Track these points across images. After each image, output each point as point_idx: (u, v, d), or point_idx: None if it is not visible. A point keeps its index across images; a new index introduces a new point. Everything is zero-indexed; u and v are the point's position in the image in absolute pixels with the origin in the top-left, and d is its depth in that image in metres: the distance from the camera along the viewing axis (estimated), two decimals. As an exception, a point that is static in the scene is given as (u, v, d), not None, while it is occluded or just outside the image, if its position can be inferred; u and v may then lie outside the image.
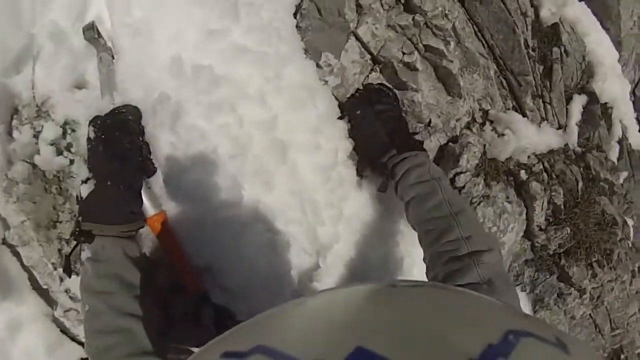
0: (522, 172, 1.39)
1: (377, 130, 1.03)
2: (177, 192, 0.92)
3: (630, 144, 2.39)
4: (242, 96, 0.96)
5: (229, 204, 0.95)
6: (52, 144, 0.92)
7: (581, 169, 1.69)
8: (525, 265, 1.38)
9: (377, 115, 1.04)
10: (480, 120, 1.39)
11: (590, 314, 1.59)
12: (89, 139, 0.84)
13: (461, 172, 1.22)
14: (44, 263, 0.94)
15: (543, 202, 1.39)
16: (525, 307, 1.37)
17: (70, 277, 0.90)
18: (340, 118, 1.16)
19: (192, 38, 0.94)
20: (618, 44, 2.77)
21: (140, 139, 0.88)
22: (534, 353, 0.27)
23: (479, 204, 1.23)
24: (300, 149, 1.06)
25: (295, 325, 0.30)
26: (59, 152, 0.93)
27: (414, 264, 1.14)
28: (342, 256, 1.13)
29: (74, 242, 0.81)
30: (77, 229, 0.77)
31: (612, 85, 2.26)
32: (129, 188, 0.81)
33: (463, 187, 1.21)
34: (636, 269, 1.85)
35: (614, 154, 2.17)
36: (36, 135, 0.92)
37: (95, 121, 0.85)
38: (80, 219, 0.77)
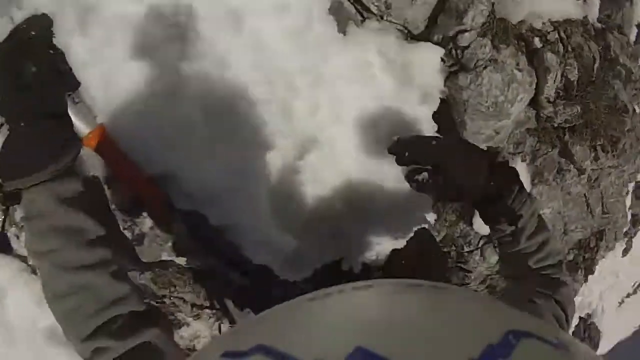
0: (536, 39, 1.24)
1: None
2: (111, 99, 0.80)
3: (650, 30, 2.19)
4: None
5: (173, 98, 0.82)
6: None
7: (600, 47, 1.52)
8: (528, 134, 1.30)
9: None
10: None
11: (585, 194, 1.56)
12: None
13: (465, 30, 1.06)
14: None
15: (556, 75, 1.26)
16: (525, 178, 1.32)
17: (9, 251, 0.80)
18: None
19: None
20: None
21: (52, 52, 0.72)
22: (534, 353, 0.27)
23: (485, 68, 1.10)
24: (260, 13, 0.88)
25: (296, 325, 0.30)
26: None
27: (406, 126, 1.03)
28: (324, 126, 1.00)
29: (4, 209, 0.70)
30: (1, 193, 0.65)
31: None
32: (49, 116, 0.66)
33: (467, 46, 1.07)
34: (636, 160, 1.79)
35: (632, 38, 1.98)
36: None
37: None
38: (1, 180, 0.64)
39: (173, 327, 1.18)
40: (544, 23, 1.29)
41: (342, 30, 1.01)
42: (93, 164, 0.82)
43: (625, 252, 2.25)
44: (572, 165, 1.42)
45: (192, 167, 0.86)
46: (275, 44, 0.90)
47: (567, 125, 1.37)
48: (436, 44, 1.06)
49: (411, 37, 1.05)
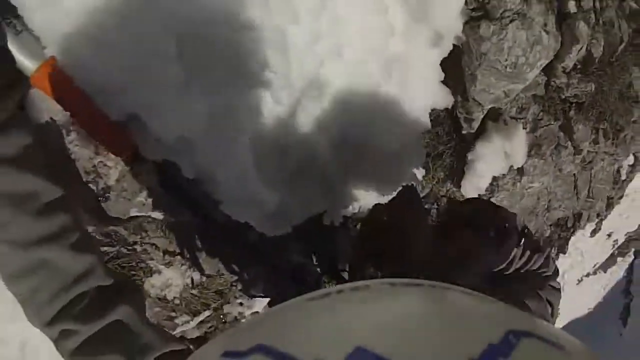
0: (571, 2, 1.17)
1: None
2: (59, 26, 0.65)
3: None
4: None
5: (138, 20, 0.67)
6: None
7: (631, 30, 1.46)
8: (533, 101, 1.28)
9: None
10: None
11: (575, 174, 1.58)
12: None
13: (495, -26, 0.99)
14: None
15: (582, 48, 1.21)
16: (522, 146, 1.30)
17: None
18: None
19: None
20: None
21: None
22: (534, 353, 0.27)
23: (511, 21, 1.04)
24: None
25: (296, 325, 0.30)
26: None
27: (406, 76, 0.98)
28: (321, 63, 0.90)
29: None
30: None
31: None
32: None
33: (495, -8, 1.00)
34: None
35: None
36: None
37: None
38: None
39: (145, 287, 1.09)
40: (579, -13, 1.21)
41: None
42: (47, 106, 0.70)
43: (594, 232, 2.31)
44: (569, 143, 1.41)
45: (163, 109, 0.74)
46: None
47: (575, 100, 1.34)
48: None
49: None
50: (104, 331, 0.56)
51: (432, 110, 1.14)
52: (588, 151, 1.51)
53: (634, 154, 1.82)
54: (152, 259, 1.06)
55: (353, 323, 0.29)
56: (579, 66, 1.27)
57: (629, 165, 1.87)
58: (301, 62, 0.86)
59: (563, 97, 1.30)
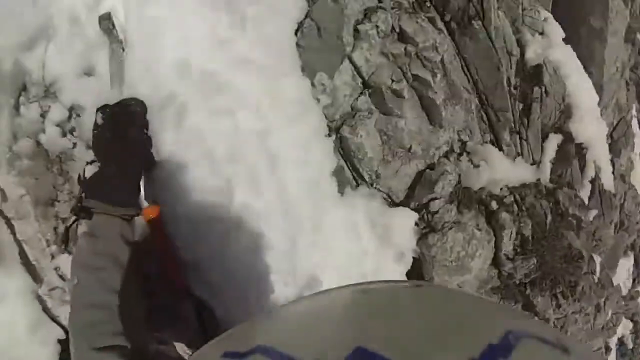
0: (493, 202, 1.48)
1: None
2: (173, 188, 0.98)
3: (602, 184, 2.51)
4: (242, 104, 1.05)
5: (220, 204, 1.02)
6: (57, 125, 0.98)
7: (551, 203, 1.78)
8: (492, 292, 1.46)
9: None
10: (458, 151, 1.47)
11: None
12: (96, 125, 0.89)
13: (436, 198, 1.29)
14: (38, 238, 0.99)
15: (511, 233, 1.47)
16: None
17: (67, 247, 0.94)
18: (328, 136, 1.22)
19: (201, 43, 1.02)
20: (600, 87, 2.91)
21: (145, 131, 0.93)
22: (534, 353, 0.27)
23: (450, 229, 1.30)
24: (289, 161, 1.14)
25: (295, 326, 0.30)
26: (63, 134, 0.99)
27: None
28: (317, 265, 1.19)
29: (74, 218, 0.87)
30: (79, 204, 0.82)
31: (589, 127, 2.35)
32: (132, 176, 0.86)
33: (437, 211, 1.29)
34: (601, 303, 1.94)
35: (585, 193, 2.27)
36: (43, 115, 0.97)
37: (104, 109, 0.89)
38: (83, 195, 0.83)
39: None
40: (501, 189, 1.54)
41: (341, 191, 1.24)
42: (136, 231, 0.94)
43: None
44: (536, 317, 1.55)
45: (216, 262, 1.01)
46: (294, 189, 1.13)
47: (527, 279, 1.54)
48: (412, 209, 1.27)
49: (393, 204, 1.27)
50: None
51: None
52: (556, 318, 1.64)
53: (630, 318, 1.91)
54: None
55: (353, 323, 0.28)
56: (518, 250, 1.51)
57: (630, 332, 1.90)
58: (304, 264, 1.15)
59: (517, 281, 1.50)
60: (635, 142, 3.79)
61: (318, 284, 1.17)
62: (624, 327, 3.18)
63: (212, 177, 1.00)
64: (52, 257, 0.98)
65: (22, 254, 0.99)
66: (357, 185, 1.26)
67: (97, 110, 0.90)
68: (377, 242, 1.19)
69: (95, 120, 0.89)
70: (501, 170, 1.53)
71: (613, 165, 2.85)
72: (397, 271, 1.21)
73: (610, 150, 2.94)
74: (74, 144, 0.99)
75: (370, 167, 1.25)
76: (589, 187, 2.33)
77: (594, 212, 2.33)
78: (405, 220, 1.25)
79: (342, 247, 1.19)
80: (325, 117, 1.25)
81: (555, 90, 2.09)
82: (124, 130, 0.88)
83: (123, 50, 0.97)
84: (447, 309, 0.31)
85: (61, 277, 1.00)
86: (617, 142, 3.59)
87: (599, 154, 2.51)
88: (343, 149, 1.29)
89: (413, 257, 1.24)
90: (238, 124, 1.04)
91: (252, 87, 1.06)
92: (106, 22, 0.95)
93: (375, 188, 1.26)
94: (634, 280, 3.81)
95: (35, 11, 0.95)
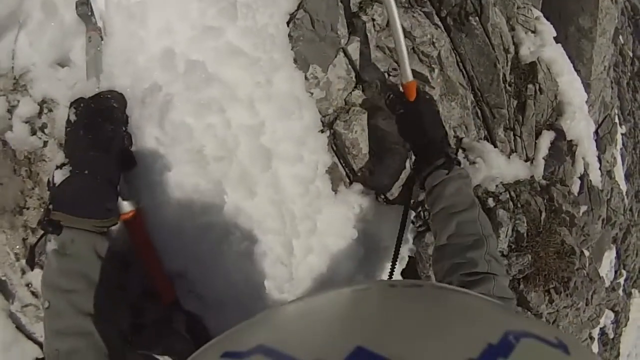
0: (490, 199, 1.39)
1: (438, 131, 0.98)
2: (156, 190, 0.85)
3: (590, 180, 2.44)
4: (232, 98, 0.93)
5: (209, 208, 0.89)
6: (26, 122, 0.84)
7: (545, 200, 1.70)
8: None
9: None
10: (454, 147, 1.38)
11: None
12: (68, 121, 0.75)
13: (433, 195, 1.19)
14: (6, 252, 0.85)
15: (507, 230, 1.38)
16: None
17: (32, 269, 0.82)
18: (321, 131, 1.12)
19: (187, 32, 0.90)
20: (587, 86, 2.84)
21: (124, 129, 0.80)
22: (534, 353, 0.26)
23: (447, 226, 1.20)
24: (283, 158, 1.03)
25: (295, 326, 0.29)
26: (33, 132, 0.84)
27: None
28: (313, 269, 1.10)
29: (41, 232, 0.74)
30: (46, 217, 0.68)
31: (579, 125, 2.31)
32: (107, 181, 0.72)
33: (433, 209, 1.19)
34: (589, 297, 1.86)
35: (575, 189, 2.20)
36: (10, 110, 0.82)
37: (77, 103, 0.75)
38: (50, 206, 0.68)
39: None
40: (497, 186, 1.45)
41: (335, 189, 1.14)
42: (116, 242, 0.83)
43: None
44: (529, 312, 1.47)
45: (206, 273, 0.90)
46: (288, 187, 1.03)
47: (521, 275, 1.45)
48: (408, 208, 1.17)
49: (387, 201, 1.17)
50: None
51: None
52: (548, 313, 1.56)
53: (611, 309, 1.87)
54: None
55: (353, 323, 0.27)
56: (513, 246, 1.43)
57: (611, 322, 1.89)
58: (298, 266, 1.06)
59: (511, 277, 1.42)
60: (616, 138, 3.75)
61: (314, 288, 1.08)
62: (606, 317, 3.16)
63: (200, 177, 0.88)
64: (23, 272, 0.85)
65: (-11, 270, 0.86)
66: (351, 182, 1.16)
67: (70, 104, 0.76)
68: (371, 241, 1.09)
69: (68, 116, 0.75)
70: (497, 166, 1.44)
71: (600, 162, 2.79)
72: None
73: (597, 147, 2.87)
74: (45, 143, 0.84)
75: (365, 163, 1.15)
76: (578, 183, 2.28)
77: (583, 208, 2.27)
78: (399, 219, 1.15)
79: (337, 248, 1.09)
80: (319, 111, 1.15)
81: (549, 88, 2.02)
82: (100, 127, 0.74)
83: (102, 38, 0.85)
84: (447, 308, 0.30)
85: (34, 293, 0.87)
86: (603, 139, 3.53)
87: (587, 150, 2.45)
88: (337, 145, 1.19)
89: (409, 256, 1.15)
90: (228, 119, 0.92)
91: (242, 80, 0.94)
92: (83, 7, 0.82)
93: (369, 186, 1.16)
94: (615, 272, 3.78)
95: (5, -5, 0.83)
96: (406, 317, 0.28)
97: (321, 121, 1.14)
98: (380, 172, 1.16)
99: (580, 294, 1.87)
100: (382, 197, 1.16)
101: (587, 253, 2.08)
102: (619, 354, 2.17)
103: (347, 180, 1.16)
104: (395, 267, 0.99)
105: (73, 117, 0.75)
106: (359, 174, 1.15)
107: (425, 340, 0.25)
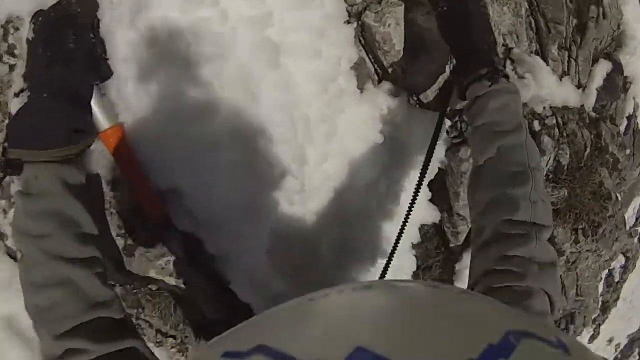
0: (536, 122, 1.22)
1: (485, 36, 0.80)
2: (138, 100, 0.75)
3: (638, 123, 2.21)
4: None
5: (201, 116, 0.78)
6: None
7: (592, 135, 1.52)
8: None
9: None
10: (502, 57, 1.19)
11: (560, 275, 1.51)
12: (27, 40, 0.65)
13: (472, 105, 1.03)
14: None
15: (550, 159, 1.23)
16: None
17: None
18: (347, 22, 0.94)
19: None
20: (654, 22, 2.49)
21: (92, 35, 0.67)
22: (535, 354, 0.25)
23: (484, 143, 1.05)
24: (296, 53, 0.87)
25: (296, 325, 0.29)
26: None
27: (397, 196, 0.99)
28: (329, 176, 0.98)
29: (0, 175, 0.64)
30: (3, 157, 0.59)
31: (637, 61, 2.05)
32: (74, 98, 0.61)
33: (471, 121, 1.03)
34: (612, 244, 1.76)
35: (621, 129, 2.00)
36: None
37: (36, 17, 0.64)
38: (6, 144, 0.59)
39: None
40: (544, 108, 1.27)
41: (361, 87, 0.99)
42: (98, 160, 0.76)
43: (592, 338, 2.18)
44: (552, 247, 1.37)
45: (201, 189, 0.81)
46: (302, 87, 0.88)
47: (553, 208, 1.33)
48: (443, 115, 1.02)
49: (419, 104, 1.01)
50: (117, 355, 0.55)
51: (421, 226, 1.14)
52: (571, 252, 1.47)
53: (623, 253, 1.77)
54: (144, 335, 1.03)
55: (353, 323, 0.27)
56: (551, 176, 1.28)
57: (620, 267, 1.81)
58: (314, 175, 0.95)
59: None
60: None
61: (330, 198, 0.97)
62: (617, 261, 3.09)
63: (189, 82, 0.75)
64: (5, 212, 0.77)
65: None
66: (380, 80, 1.00)
67: (30, 19, 0.64)
68: (398, 147, 0.95)
69: (27, 33, 0.64)
70: (547, 86, 1.25)
71: (649, 106, 2.54)
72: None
73: (649, 90, 2.58)
74: (11, 67, 0.72)
75: (398, 60, 0.98)
76: (624, 123, 2.07)
77: (626, 151, 2.08)
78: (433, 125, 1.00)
79: (359, 152, 0.96)
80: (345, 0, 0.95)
81: (613, 15, 1.76)
82: (60, 39, 0.61)
83: None
84: (447, 308, 0.30)
85: (9, 255, 0.80)
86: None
87: (640, 91, 2.20)
88: (365, 38, 1.01)
89: (439, 167, 1.02)
90: (225, 11, 0.75)
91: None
92: None
93: (400, 85, 0.99)
94: (636, 219, 3.64)
95: None
96: (406, 316, 0.28)
97: (347, 11, 0.95)
98: (415, 71, 0.99)
99: (607, 242, 1.76)
100: (415, 99, 1.00)
101: (619, 197, 1.94)
102: (618, 297, 2.14)
103: (376, 78, 1.00)
104: (424, 179, 0.87)
105: (32, 34, 0.63)
106: (389, 72, 0.98)
107: (425, 340, 0.25)
